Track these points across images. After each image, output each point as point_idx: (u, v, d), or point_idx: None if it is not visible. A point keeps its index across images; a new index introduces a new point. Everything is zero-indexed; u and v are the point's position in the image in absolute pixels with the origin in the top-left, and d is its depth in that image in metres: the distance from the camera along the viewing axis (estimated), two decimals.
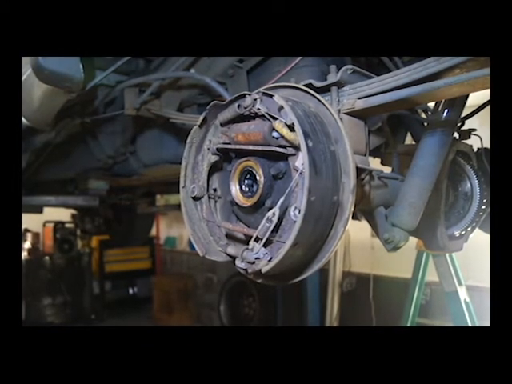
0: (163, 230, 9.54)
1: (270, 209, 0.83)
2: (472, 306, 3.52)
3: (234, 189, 0.93)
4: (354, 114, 1.00)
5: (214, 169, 1.05)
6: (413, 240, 1.46)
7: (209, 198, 1.05)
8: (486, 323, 0.93)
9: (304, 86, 0.95)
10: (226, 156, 1.02)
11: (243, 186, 0.93)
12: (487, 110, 1.31)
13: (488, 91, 0.86)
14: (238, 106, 0.89)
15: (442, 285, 3.62)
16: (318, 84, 0.99)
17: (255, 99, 0.86)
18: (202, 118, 1.00)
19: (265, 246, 0.82)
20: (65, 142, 2.44)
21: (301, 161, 0.79)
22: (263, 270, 0.79)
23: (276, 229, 0.82)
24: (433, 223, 1.47)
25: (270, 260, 0.81)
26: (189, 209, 1.05)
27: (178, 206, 1.13)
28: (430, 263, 3.84)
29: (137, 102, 1.81)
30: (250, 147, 0.88)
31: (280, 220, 0.82)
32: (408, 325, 3.82)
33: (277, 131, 0.82)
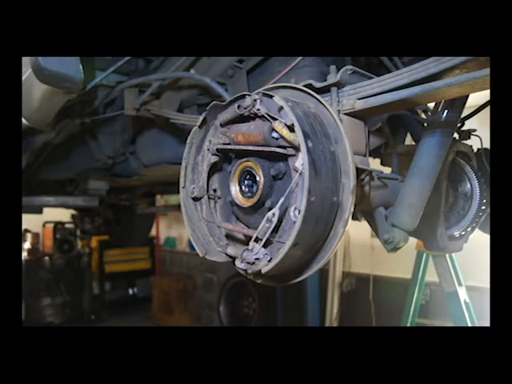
0: (163, 230, 9.55)
1: (269, 209, 0.82)
2: (472, 307, 3.52)
3: (234, 189, 0.93)
4: (353, 114, 1.00)
5: (213, 169, 1.05)
6: (413, 240, 1.46)
7: (209, 198, 1.05)
8: (486, 323, 0.92)
9: (304, 86, 0.95)
10: (225, 156, 1.02)
11: (243, 187, 0.93)
12: (487, 110, 1.32)
13: (487, 91, 0.86)
14: (238, 107, 0.89)
15: (442, 285, 3.62)
16: (318, 84, 0.99)
17: (255, 100, 0.86)
18: (201, 118, 1.00)
19: (265, 246, 0.82)
20: (65, 142, 2.44)
21: (301, 161, 0.79)
22: (263, 271, 0.79)
23: (276, 229, 0.82)
24: (433, 224, 1.47)
25: (269, 260, 0.81)
26: (189, 209, 1.04)
27: (178, 207, 1.13)
28: (430, 263, 3.84)
29: (137, 102, 1.82)
30: (250, 148, 0.88)
31: (280, 220, 0.82)
32: (408, 325, 3.82)
33: (277, 132, 0.82)
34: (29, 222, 7.25)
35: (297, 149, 0.81)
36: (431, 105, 1.46)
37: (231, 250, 0.92)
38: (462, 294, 3.52)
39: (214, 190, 1.07)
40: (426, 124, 1.65)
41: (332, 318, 5.69)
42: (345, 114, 0.99)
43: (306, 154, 0.75)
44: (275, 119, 0.83)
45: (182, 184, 1.04)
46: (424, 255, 3.90)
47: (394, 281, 5.18)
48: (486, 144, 1.50)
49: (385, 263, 5.30)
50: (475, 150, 1.71)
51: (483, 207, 1.57)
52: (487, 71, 0.79)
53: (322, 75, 1.40)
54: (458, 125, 1.67)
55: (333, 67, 1.00)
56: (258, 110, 0.85)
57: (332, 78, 0.98)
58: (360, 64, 1.59)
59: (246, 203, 0.90)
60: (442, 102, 1.33)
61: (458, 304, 3.47)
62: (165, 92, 1.85)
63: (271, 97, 0.84)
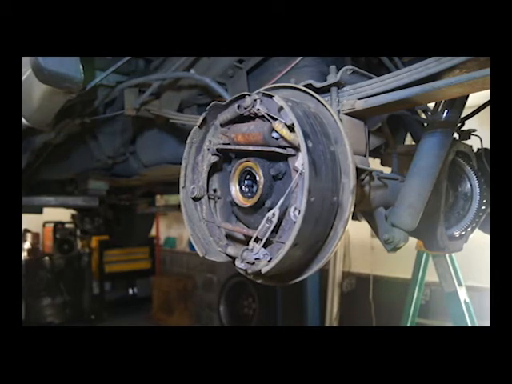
0: (163, 230, 9.55)
1: (269, 209, 0.82)
2: (472, 307, 3.52)
3: (234, 189, 0.93)
4: (353, 114, 1.00)
5: (213, 169, 1.05)
6: (413, 240, 1.46)
7: (209, 198, 1.05)
8: (486, 323, 0.92)
9: (304, 86, 0.95)
10: (225, 156, 1.02)
11: (243, 187, 0.93)
12: (487, 110, 1.31)
13: (487, 91, 0.86)
14: (238, 107, 0.89)
15: (442, 285, 3.62)
16: (318, 84, 0.99)
17: (255, 100, 0.86)
18: (201, 118, 1.00)
19: (265, 246, 0.82)
20: (65, 142, 2.44)
21: (301, 161, 0.79)
22: (263, 271, 0.79)
23: (276, 229, 0.82)
24: (433, 224, 1.47)
25: (269, 260, 0.81)
26: (189, 209, 1.04)
27: (178, 207, 1.13)
28: (430, 263, 3.84)
29: (137, 102, 1.82)
30: (250, 148, 0.88)
31: (280, 220, 0.82)
32: (408, 325, 3.82)
33: (277, 132, 0.82)
34: (29, 222, 7.26)
35: (297, 149, 0.81)
36: (431, 105, 1.45)
37: (231, 250, 0.92)
38: (462, 294, 3.52)
39: (214, 190, 1.07)
40: (426, 124, 1.65)
41: (332, 318, 5.69)
42: (345, 114, 0.99)
43: (305, 154, 0.75)
44: (275, 119, 0.83)
45: (182, 184, 1.04)
46: (424, 255, 3.90)
47: (394, 281, 5.18)
48: (486, 144, 1.50)
49: (385, 263, 5.30)
50: (475, 150, 1.71)
51: (483, 207, 1.57)
52: (487, 71, 0.79)
53: (322, 75, 1.40)
54: (458, 125, 1.67)
55: (333, 67, 1.00)
56: (258, 109, 0.85)
57: (332, 78, 0.98)
58: (360, 64, 1.59)
59: (245, 203, 0.90)
60: (442, 102, 1.33)
61: (458, 304, 3.47)
62: (165, 92, 1.85)
63: (271, 97, 0.84)
